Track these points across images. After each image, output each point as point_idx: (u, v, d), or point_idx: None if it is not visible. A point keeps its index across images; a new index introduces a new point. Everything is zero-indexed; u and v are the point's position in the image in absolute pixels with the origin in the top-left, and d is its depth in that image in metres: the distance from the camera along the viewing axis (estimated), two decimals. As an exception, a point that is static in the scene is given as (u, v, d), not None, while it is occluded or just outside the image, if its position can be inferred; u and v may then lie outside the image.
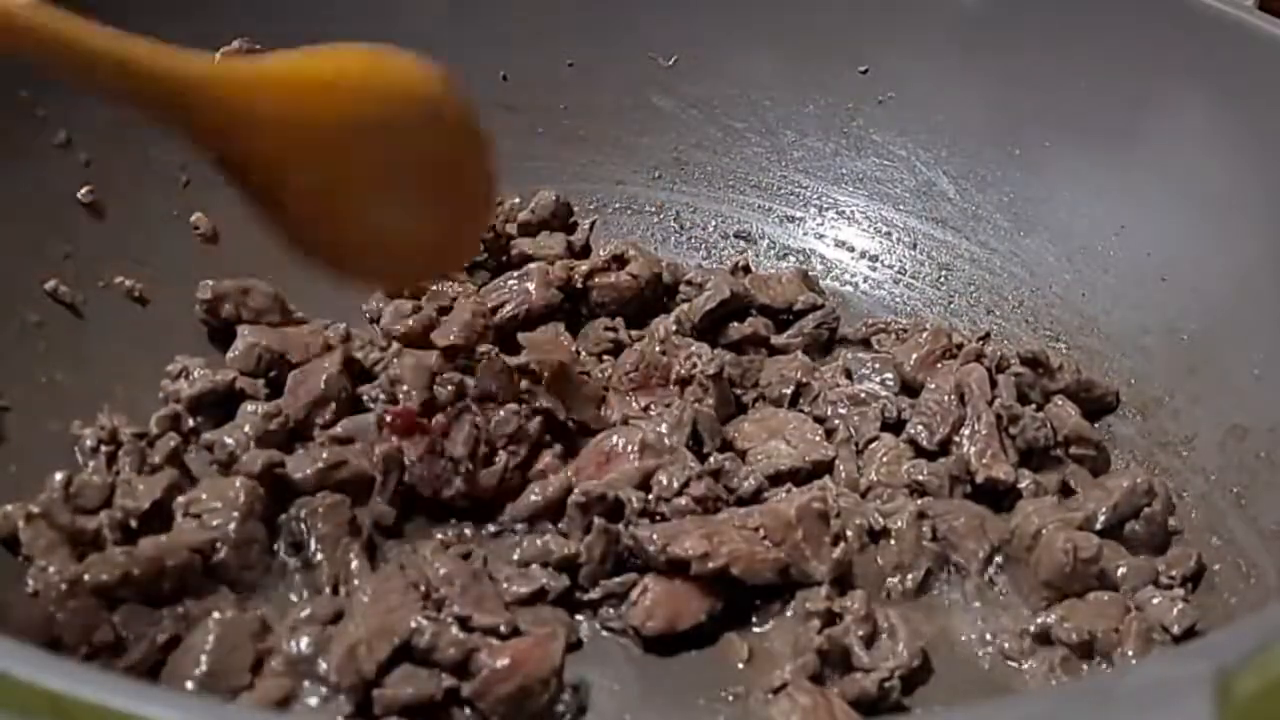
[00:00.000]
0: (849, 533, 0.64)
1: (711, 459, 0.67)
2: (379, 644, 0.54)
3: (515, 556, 0.63)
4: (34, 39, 0.46)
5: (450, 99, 0.60)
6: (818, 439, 0.70)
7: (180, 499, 0.62)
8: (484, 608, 0.59)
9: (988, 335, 0.77)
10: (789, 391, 0.74)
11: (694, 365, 0.72)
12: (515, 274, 0.79)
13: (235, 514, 0.61)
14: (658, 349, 0.74)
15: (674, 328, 0.76)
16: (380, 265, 0.63)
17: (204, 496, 0.62)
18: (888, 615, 0.61)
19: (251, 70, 0.55)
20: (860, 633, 0.60)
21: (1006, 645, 0.62)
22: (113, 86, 0.50)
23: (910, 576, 0.64)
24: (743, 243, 0.88)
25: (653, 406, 0.72)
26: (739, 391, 0.74)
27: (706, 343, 0.75)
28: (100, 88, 0.50)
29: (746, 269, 0.83)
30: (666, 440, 0.67)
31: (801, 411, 0.73)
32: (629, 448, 0.66)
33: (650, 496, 0.64)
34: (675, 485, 0.64)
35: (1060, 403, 0.73)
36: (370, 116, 0.57)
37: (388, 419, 0.67)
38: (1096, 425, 0.73)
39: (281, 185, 0.55)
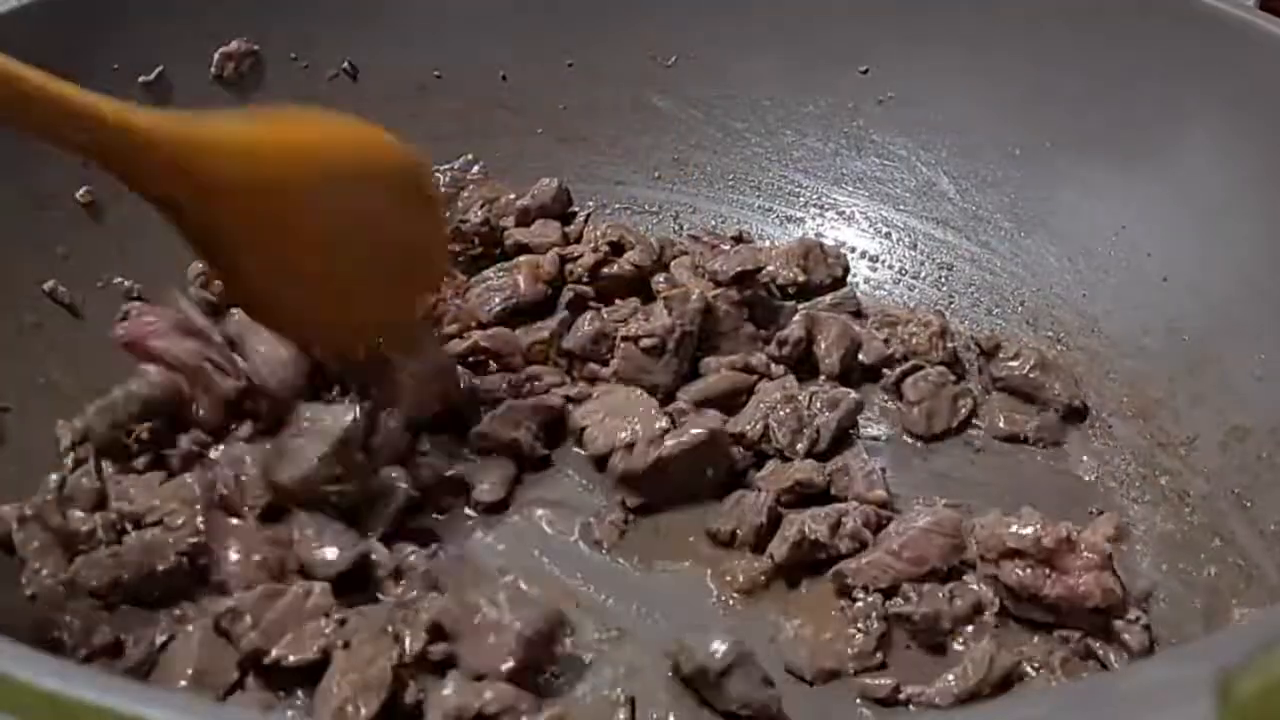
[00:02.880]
0: None
1: None
2: (366, 699, 0.52)
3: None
4: None
5: (401, 168, 0.63)
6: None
7: (128, 507, 0.61)
8: (490, 657, 0.55)
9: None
10: None
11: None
12: (504, 266, 0.80)
13: (197, 506, 0.60)
14: None
15: None
16: (313, 328, 0.64)
17: (157, 503, 0.60)
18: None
19: (197, 130, 0.55)
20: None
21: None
22: (68, 140, 0.51)
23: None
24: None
25: None
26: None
27: None
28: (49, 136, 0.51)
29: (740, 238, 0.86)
30: None
31: None
32: None
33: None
34: None
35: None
36: (318, 183, 0.59)
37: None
38: (1081, 425, 0.75)
39: (221, 244, 0.57)
